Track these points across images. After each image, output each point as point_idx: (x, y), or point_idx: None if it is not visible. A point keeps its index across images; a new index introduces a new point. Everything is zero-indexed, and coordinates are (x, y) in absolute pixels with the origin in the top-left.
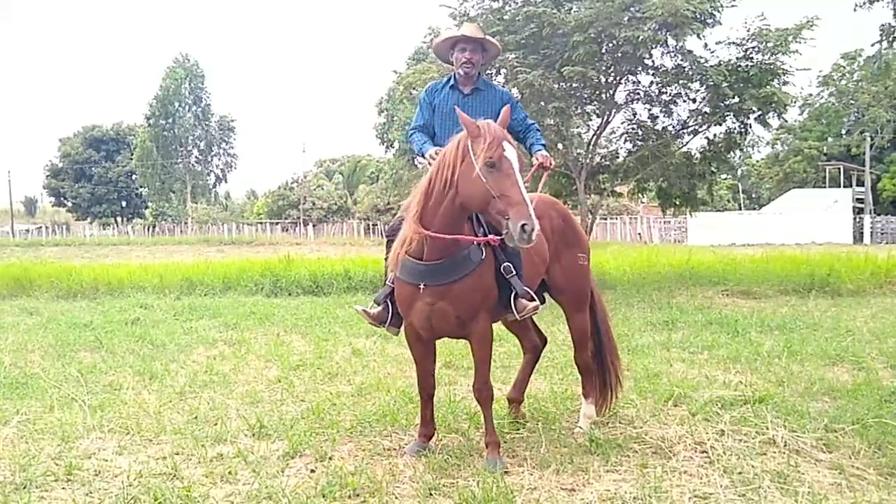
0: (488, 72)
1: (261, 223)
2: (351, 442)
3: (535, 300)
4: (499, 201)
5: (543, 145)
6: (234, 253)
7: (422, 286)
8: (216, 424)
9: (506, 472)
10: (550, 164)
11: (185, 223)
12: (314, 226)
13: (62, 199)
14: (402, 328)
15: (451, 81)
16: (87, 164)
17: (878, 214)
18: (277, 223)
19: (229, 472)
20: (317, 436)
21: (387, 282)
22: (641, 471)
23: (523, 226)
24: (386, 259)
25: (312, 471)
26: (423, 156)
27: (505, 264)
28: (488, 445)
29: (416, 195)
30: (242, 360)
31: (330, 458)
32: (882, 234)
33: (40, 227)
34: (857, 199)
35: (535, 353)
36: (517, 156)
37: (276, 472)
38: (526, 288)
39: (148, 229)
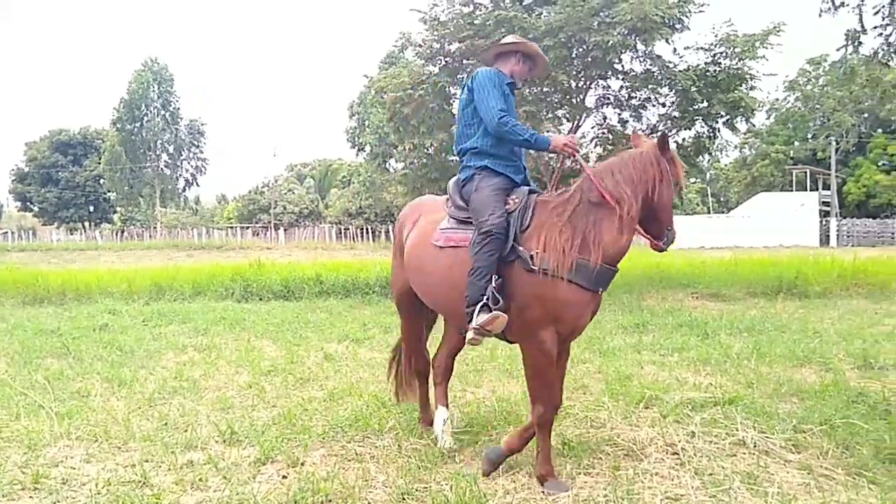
0: (459, 75)
1: (231, 228)
2: (323, 447)
3: None
4: (663, 219)
5: None
6: (204, 258)
7: (600, 291)
8: (186, 431)
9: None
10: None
11: (155, 228)
12: (285, 230)
13: (28, 203)
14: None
15: (510, 80)
16: (53, 168)
17: (844, 217)
18: (248, 227)
19: (200, 479)
20: (288, 441)
21: (494, 285)
22: (614, 473)
23: (672, 240)
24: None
25: (284, 477)
26: (547, 144)
27: None
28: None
29: (630, 192)
30: (213, 365)
31: (302, 464)
32: (848, 236)
33: (6, 233)
34: (824, 202)
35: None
36: None
37: (248, 479)
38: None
39: (116, 234)
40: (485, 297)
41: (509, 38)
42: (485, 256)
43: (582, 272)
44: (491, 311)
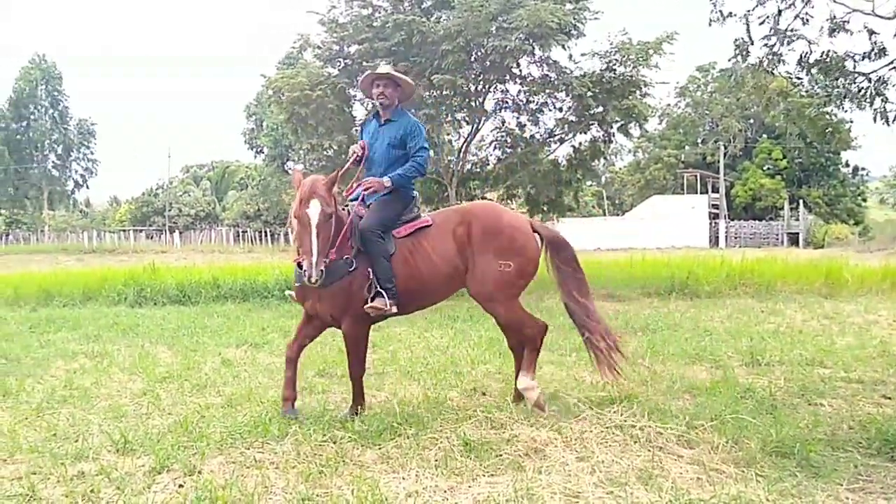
0: (358, 76)
1: (124, 231)
2: (221, 455)
3: (385, 299)
4: (300, 247)
5: (399, 175)
6: (95, 262)
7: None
8: (77, 441)
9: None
10: (375, 187)
11: (42, 231)
12: (181, 233)
13: None
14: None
15: (376, 112)
16: None
17: (732, 219)
18: (142, 230)
19: (91, 491)
20: (185, 449)
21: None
22: (515, 471)
23: (305, 271)
24: None
25: (181, 486)
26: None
27: (369, 267)
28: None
29: None
30: (105, 373)
31: (199, 472)
32: (735, 237)
33: None
34: (713, 204)
35: (520, 347)
36: (319, 212)
37: (142, 489)
38: (380, 289)
39: (0, 238)
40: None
41: (379, 69)
42: None
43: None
44: None
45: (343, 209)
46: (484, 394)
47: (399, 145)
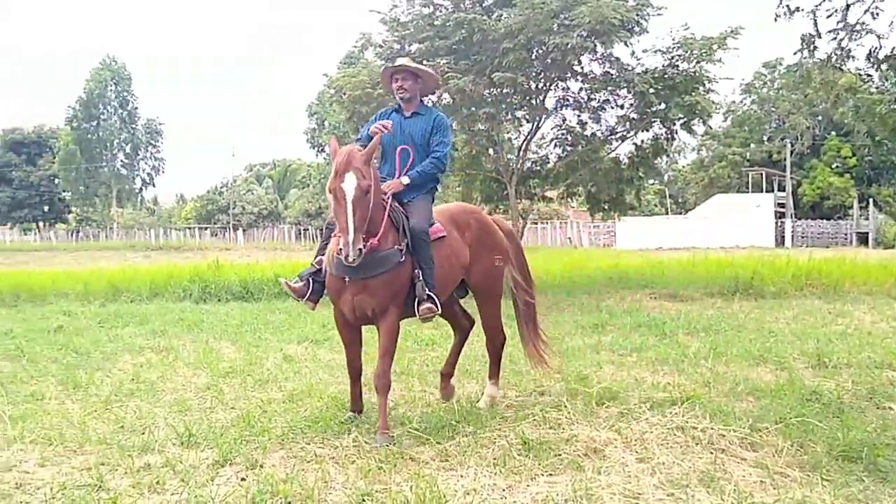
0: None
1: (189, 228)
2: (282, 449)
3: (434, 303)
4: (336, 225)
5: (418, 173)
6: (161, 258)
7: (346, 279)
8: (143, 434)
9: (394, 444)
10: (394, 188)
11: (111, 228)
12: (244, 231)
13: None
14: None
15: (397, 106)
16: (7, 167)
17: (799, 219)
18: (206, 228)
19: (157, 482)
20: (247, 443)
21: (313, 263)
22: (574, 472)
23: (341, 249)
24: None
25: (243, 479)
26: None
27: (416, 269)
28: (378, 431)
29: None
30: (170, 367)
31: (261, 466)
32: (802, 237)
33: None
34: (779, 203)
35: (464, 333)
36: (356, 185)
37: (206, 481)
38: (429, 293)
39: (71, 234)
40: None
41: (397, 62)
42: (320, 243)
43: (331, 264)
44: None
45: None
46: (542, 393)
47: (424, 141)
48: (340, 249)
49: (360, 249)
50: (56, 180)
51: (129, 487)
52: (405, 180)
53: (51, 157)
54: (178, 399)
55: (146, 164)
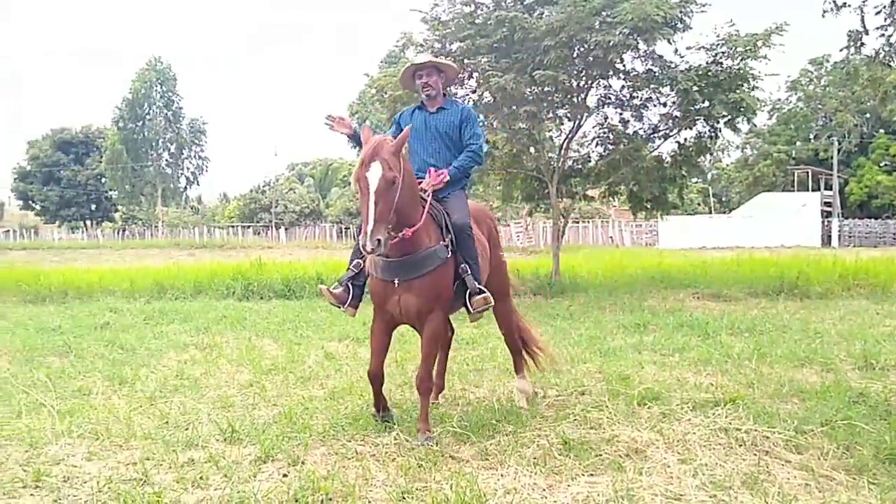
0: (460, 75)
1: (232, 227)
2: (324, 446)
3: (487, 295)
4: (361, 213)
5: (456, 168)
6: (205, 256)
7: (396, 281)
8: (187, 429)
9: (435, 444)
10: (437, 182)
11: (156, 227)
12: (286, 229)
13: (30, 202)
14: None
15: (420, 104)
16: (55, 166)
17: (846, 218)
18: (249, 227)
19: (200, 478)
20: (289, 440)
21: (350, 266)
22: (615, 472)
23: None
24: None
25: (285, 475)
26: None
27: (462, 265)
28: (419, 430)
29: None
30: (214, 364)
31: (302, 463)
32: (849, 237)
33: (8, 231)
34: (826, 202)
35: (447, 345)
36: (380, 176)
37: (248, 477)
38: (479, 286)
39: (118, 233)
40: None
41: (417, 59)
42: (355, 246)
43: (374, 267)
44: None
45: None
46: (583, 393)
47: (455, 134)
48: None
49: (380, 240)
50: (103, 179)
51: (173, 482)
52: (444, 176)
53: (98, 157)
54: (222, 395)
55: (190, 163)
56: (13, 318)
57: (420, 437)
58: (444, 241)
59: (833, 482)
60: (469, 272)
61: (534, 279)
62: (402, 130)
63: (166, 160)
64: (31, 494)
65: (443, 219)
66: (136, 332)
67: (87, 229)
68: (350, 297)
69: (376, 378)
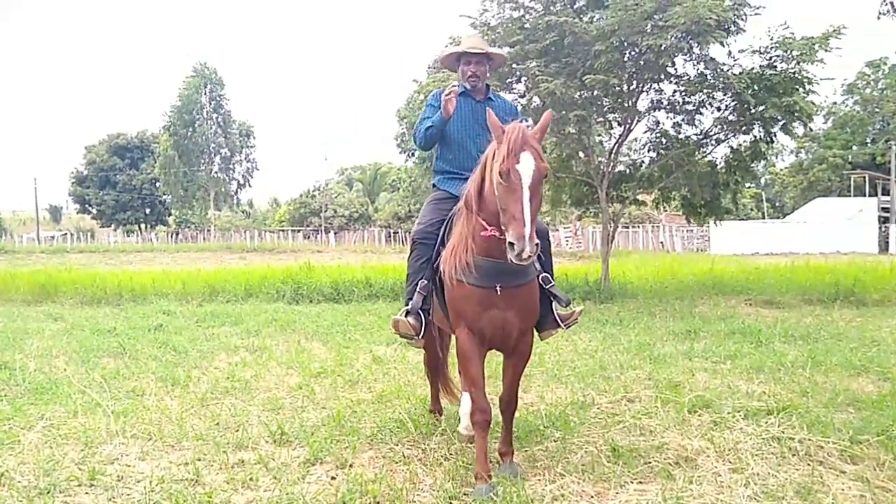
0: (508, 80)
1: (283, 230)
2: (371, 449)
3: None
4: (503, 214)
5: None
6: (256, 260)
7: (498, 288)
8: (238, 431)
9: (525, 480)
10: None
11: (208, 230)
12: (335, 233)
13: (87, 206)
14: (461, 335)
15: (462, 89)
16: (111, 171)
17: None
18: (299, 230)
19: (250, 479)
20: (337, 443)
21: (418, 290)
22: (664, 480)
23: (512, 244)
24: (410, 263)
25: (333, 478)
26: (441, 117)
27: (543, 275)
28: (504, 455)
29: (472, 189)
30: (264, 366)
31: (350, 466)
32: None
33: (65, 234)
34: (883, 208)
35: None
36: (534, 168)
37: (297, 479)
38: (564, 296)
39: (171, 236)
40: (410, 302)
41: (468, 43)
42: (412, 262)
43: (466, 271)
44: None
45: None
46: (632, 400)
47: None
48: (512, 244)
49: (538, 244)
50: (157, 184)
51: (223, 483)
52: None
53: (153, 161)
54: (271, 398)
55: (240, 167)
56: (70, 319)
57: (509, 464)
58: None
59: (889, 493)
60: (552, 281)
61: (583, 284)
62: (437, 109)
63: (218, 165)
64: (87, 493)
65: None
66: (188, 334)
67: (141, 233)
68: (423, 327)
69: (487, 424)
